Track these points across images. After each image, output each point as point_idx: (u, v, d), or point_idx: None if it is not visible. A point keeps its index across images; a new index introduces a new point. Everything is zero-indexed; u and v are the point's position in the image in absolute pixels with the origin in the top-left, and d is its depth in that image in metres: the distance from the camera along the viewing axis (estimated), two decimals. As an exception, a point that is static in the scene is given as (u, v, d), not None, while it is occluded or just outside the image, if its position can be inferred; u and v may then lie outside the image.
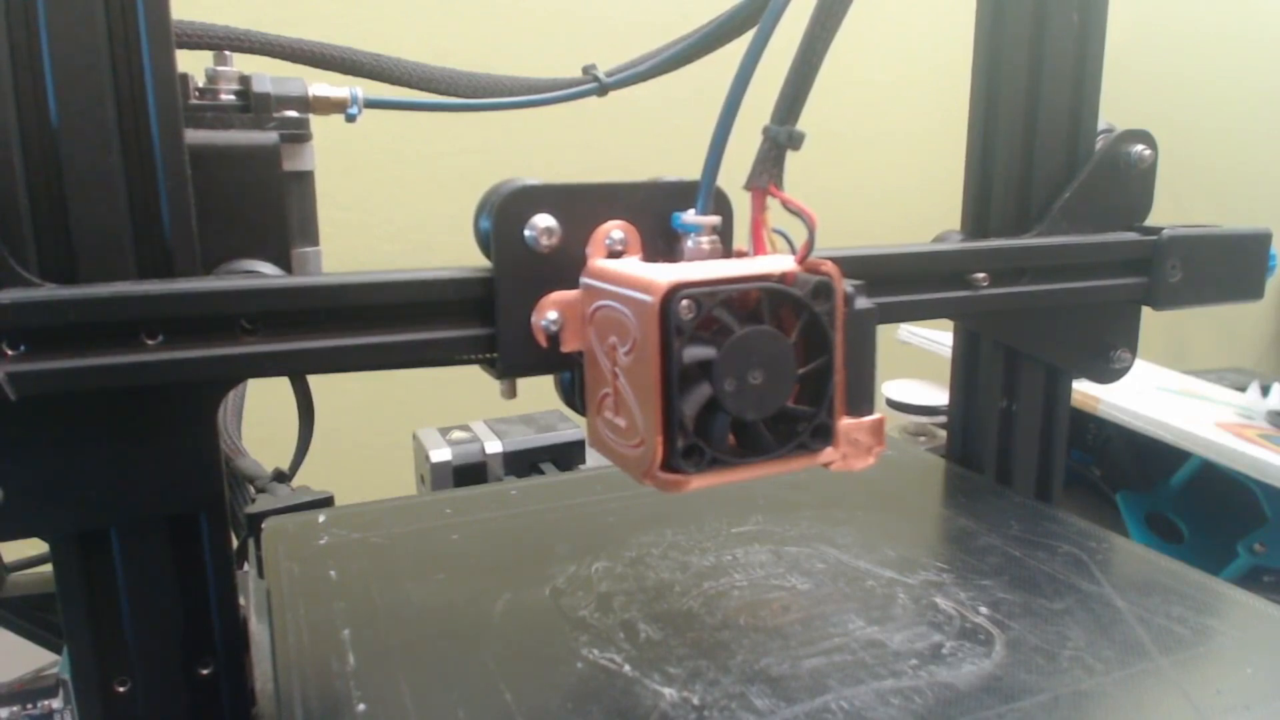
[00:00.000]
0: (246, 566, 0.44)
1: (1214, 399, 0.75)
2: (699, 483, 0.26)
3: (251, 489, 0.49)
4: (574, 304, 0.30)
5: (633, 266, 0.28)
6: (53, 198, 0.27)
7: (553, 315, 0.30)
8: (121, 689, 0.31)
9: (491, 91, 0.42)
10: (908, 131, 1.22)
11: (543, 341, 0.30)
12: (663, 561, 0.39)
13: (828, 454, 0.28)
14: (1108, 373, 0.46)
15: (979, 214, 0.45)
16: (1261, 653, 0.32)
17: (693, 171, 0.30)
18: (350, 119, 0.38)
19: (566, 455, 0.57)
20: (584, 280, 0.30)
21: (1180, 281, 0.43)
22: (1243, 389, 0.76)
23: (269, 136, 0.33)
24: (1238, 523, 0.65)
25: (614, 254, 0.31)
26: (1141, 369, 0.63)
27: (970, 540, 0.40)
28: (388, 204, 0.96)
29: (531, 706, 0.29)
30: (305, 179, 0.35)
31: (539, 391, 0.35)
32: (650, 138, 1.02)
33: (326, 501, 0.48)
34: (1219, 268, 0.44)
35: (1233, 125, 1.49)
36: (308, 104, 0.35)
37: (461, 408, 0.64)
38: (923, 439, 0.78)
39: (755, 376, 0.26)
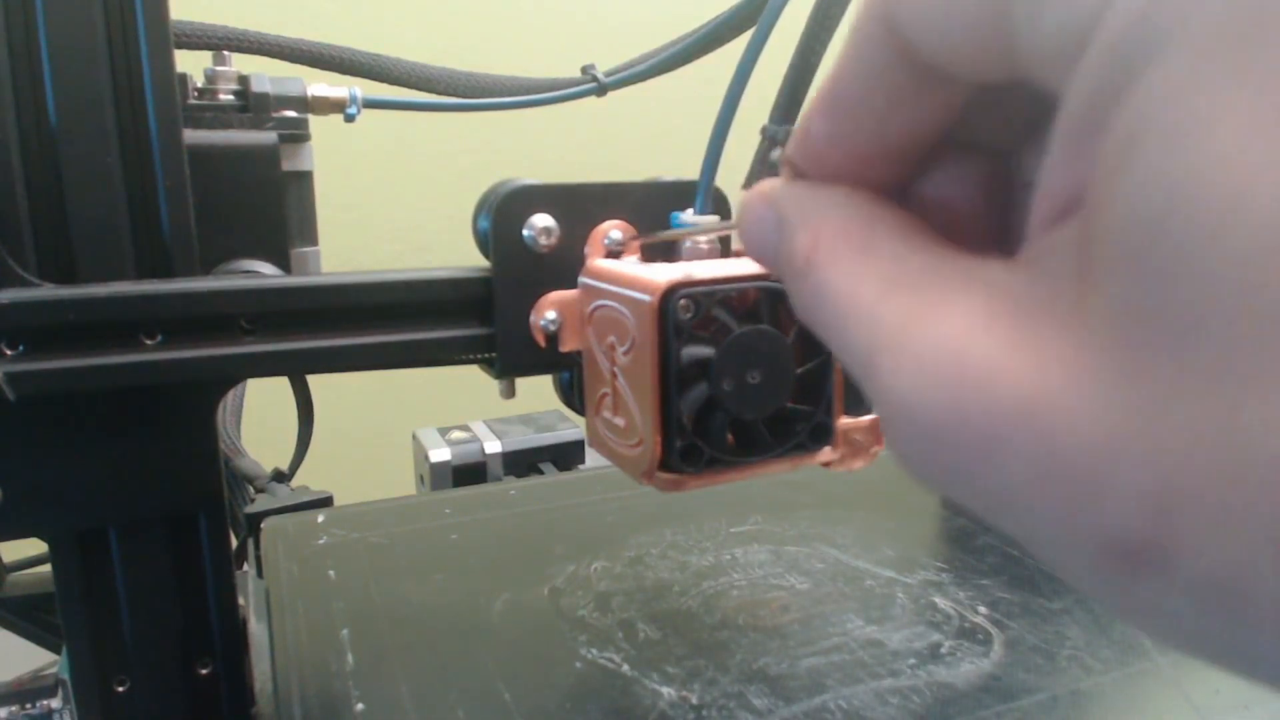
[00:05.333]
0: (246, 566, 0.44)
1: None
2: (697, 483, 0.26)
3: (251, 489, 0.49)
4: (573, 304, 0.30)
5: (631, 266, 0.28)
6: (52, 198, 0.27)
7: (551, 315, 0.30)
8: (120, 688, 0.31)
9: (491, 91, 0.42)
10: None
11: (541, 341, 0.30)
12: (662, 561, 0.39)
13: (826, 453, 0.28)
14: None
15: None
16: (1260, 652, 0.32)
17: (691, 171, 0.30)
18: (349, 119, 0.38)
19: (566, 455, 0.57)
20: (583, 280, 0.30)
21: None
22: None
23: (268, 136, 0.33)
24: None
25: (612, 254, 0.31)
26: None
27: (969, 539, 0.40)
28: (387, 204, 0.96)
29: (530, 706, 0.29)
30: (304, 179, 0.35)
31: (539, 391, 0.35)
32: (649, 138, 1.02)
33: (326, 501, 0.48)
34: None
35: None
36: (306, 104, 0.35)
37: (461, 408, 0.64)
38: (922, 439, 0.78)
39: (754, 376, 0.26)
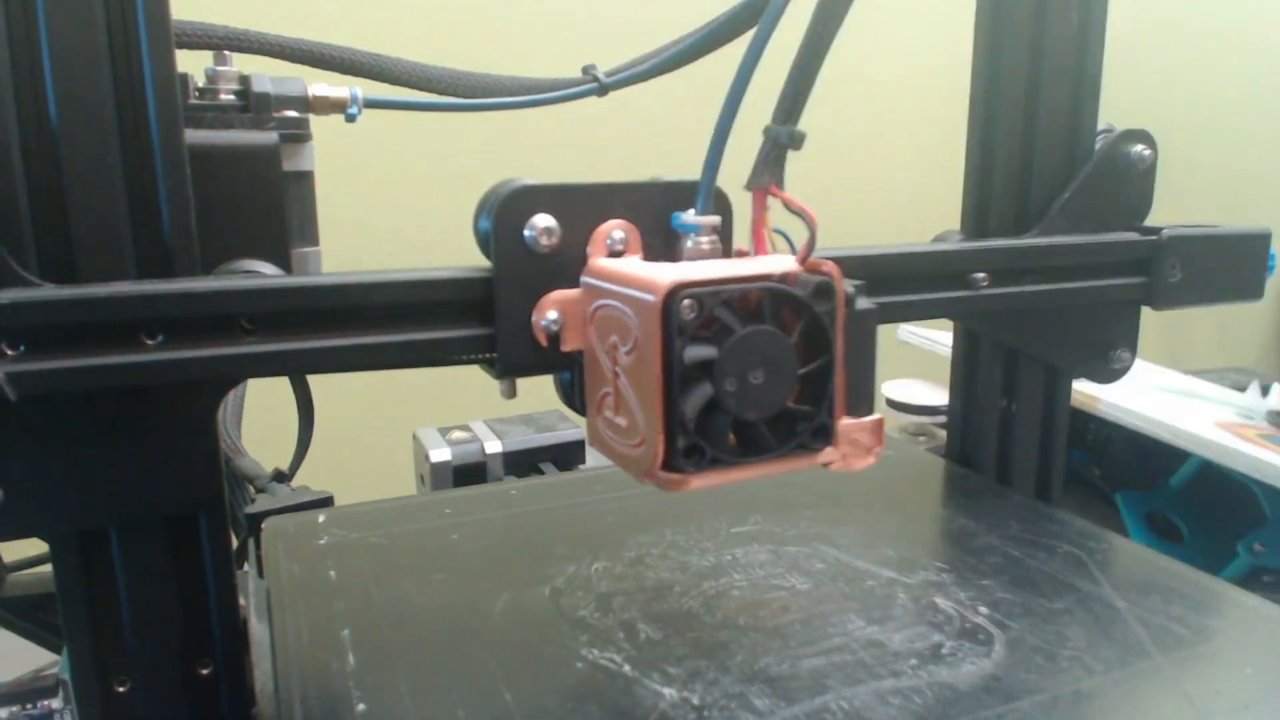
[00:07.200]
0: (246, 566, 0.44)
1: (1214, 399, 0.75)
2: (699, 482, 0.26)
3: (251, 489, 0.49)
4: (574, 303, 0.30)
5: (634, 266, 0.28)
6: (52, 197, 0.27)
7: (553, 315, 0.30)
8: (121, 689, 0.31)
9: (491, 91, 0.42)
10: (908, 132, 1.22)
11: (543, 341, 0.30)
12: (662, 561, 0.39)
13: (828, 454, 0.28)
14: (1107, 373, 0.46)
15: (979, 214, 0.45)
16: (1261, 653, 0.32)
17: (693, 171, 0.30)
18: (350, 119, 0.38)
19: (566, 455, 0.57)
20: (585, 279, 0.30)
21: (1180, 281, 0.43)
22: (1243, 389, 0.76)
23: (269, 136, 0.33)
24: (1238, 523, 0.65)
25: (614, 254, 0.31)
26: (1141, 369, 0.63)
27: (970, 540, 0.40)
28: (388, 204, 0.96)
29: (531, 706, 0.29)
30: (305, 179, 0.35)
31: (539, 391, 0.35)
32: (650, 138, 1.02)
33: (326, 501, 0.48)
34: (1219, 268, 0.44)
35: (1233, 125, 1.49)
36: (307, 104, 0.35)
37: (461, 408, 0.64)
38: (923, 439, 0.78)
39: (756, 376, 0.26)
